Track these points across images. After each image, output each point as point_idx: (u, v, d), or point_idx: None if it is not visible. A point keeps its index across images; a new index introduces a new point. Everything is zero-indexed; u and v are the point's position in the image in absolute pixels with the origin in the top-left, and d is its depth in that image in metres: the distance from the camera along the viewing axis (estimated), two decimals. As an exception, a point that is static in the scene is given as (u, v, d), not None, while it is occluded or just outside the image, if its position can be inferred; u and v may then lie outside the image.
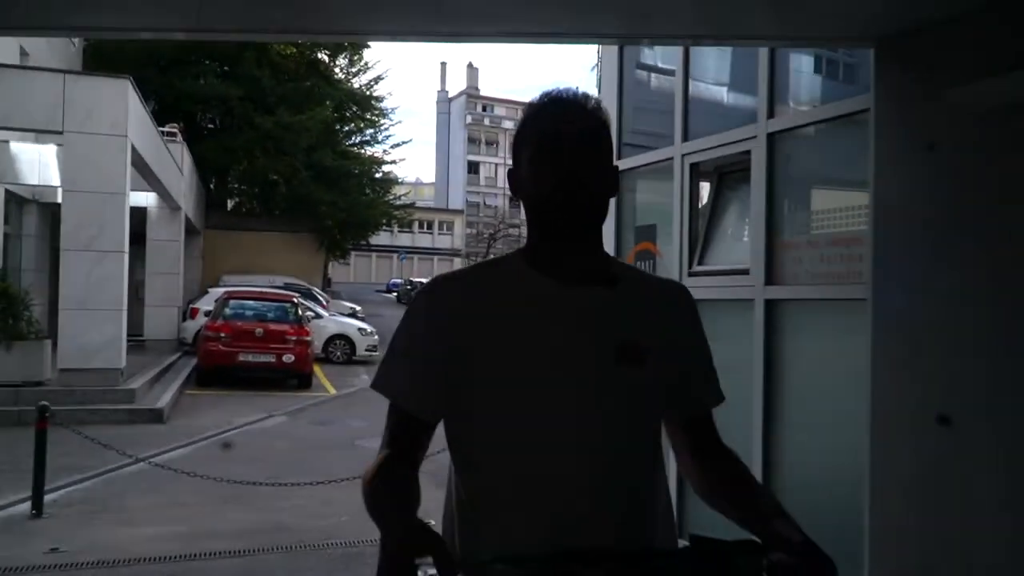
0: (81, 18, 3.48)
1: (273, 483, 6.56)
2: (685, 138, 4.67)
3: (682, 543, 1.50)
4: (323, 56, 29.17)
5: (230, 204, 29.76)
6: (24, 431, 8.22)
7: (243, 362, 13.77)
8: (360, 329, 18.92)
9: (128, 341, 11.37)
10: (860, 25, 3.29)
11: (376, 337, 18.37)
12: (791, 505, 4.03)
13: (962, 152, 2.96)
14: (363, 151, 31.88)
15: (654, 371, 1.43)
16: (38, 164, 13.84)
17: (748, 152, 4.17)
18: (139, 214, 14.34)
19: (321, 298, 22.65)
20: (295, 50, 26.86)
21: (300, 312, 15.17)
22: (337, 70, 30.64)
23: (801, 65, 4.28)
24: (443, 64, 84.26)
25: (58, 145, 12.16)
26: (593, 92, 6.23)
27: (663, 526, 1.49)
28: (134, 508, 6.36)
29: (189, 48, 24.21)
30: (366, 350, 18.15)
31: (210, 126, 27.89)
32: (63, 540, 5.35)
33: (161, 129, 15.58)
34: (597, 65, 5.81)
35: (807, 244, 3.93)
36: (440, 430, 1.45)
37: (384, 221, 32.89)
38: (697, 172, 4.65)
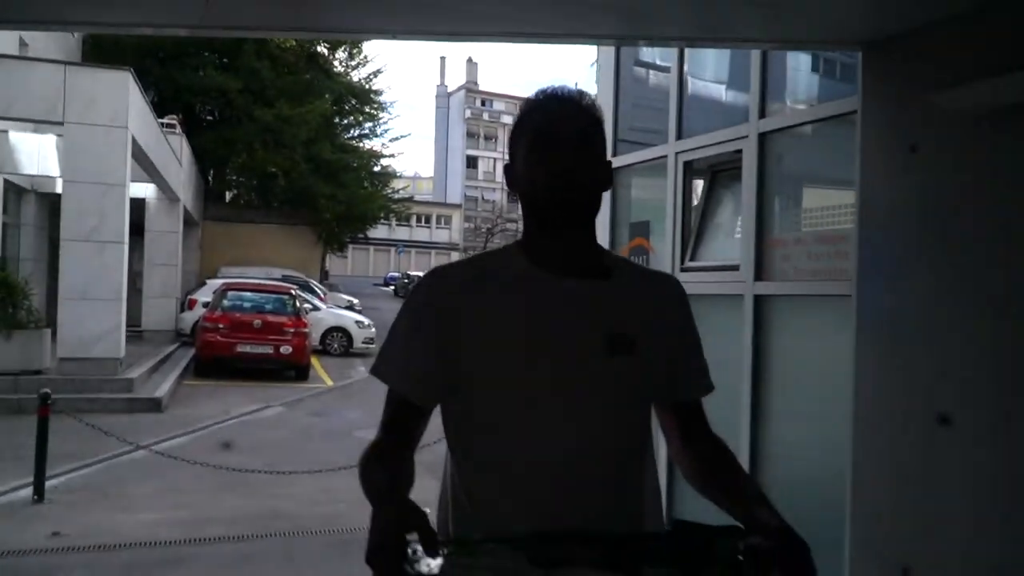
0: (82, 13, 3.55)
1: (271, 471, 6.66)
2: (679, 136, 4.76)
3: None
4: (322, 49, 29.19)
5: (228, 196, 29.81)
6: (23, 419, 8.33)
7: (241, 353, 13.85)
8: (357, 322, 18.99)
9: (126, 331, 11.45)
10: (848, 29, 3.38)
11: (373, 330, 18.45)
12: (778, 495, 4.15)
13: (943, 154, 3.05)
14: (362, 145, 31.94)
15: (644, 361, 1.47)
16: (37, 154, 13.90)
17: (740, 151, 4.27)
18: (138, 205, 14.40)
19: (319, 291, 22.73)
20: (294, 43, 26.87)
21: (298, 304, 15.24)
22: (336, 63, 30.67)
23: (797, 64, 4.34)
24: (442, 59, 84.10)
25: (57, 135, 12.22)
26: (592, 88, 6.29)
27: (651, 511, 1.54)
28: (134, 494, 6.45)
29: (189, 40, 24.23)
30: (363, 343, 18.24)
31: (209, 118, 27.92)
32: (64, 524, 5.45)
33: (160, 120, 15.63)
34: (596, 61, 5.89)
35: (795, 241, 4.03)
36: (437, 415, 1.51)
37: (382, 215, 32.94)
38: (691, 170, 4.74)
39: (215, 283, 17.92)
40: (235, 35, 19.09)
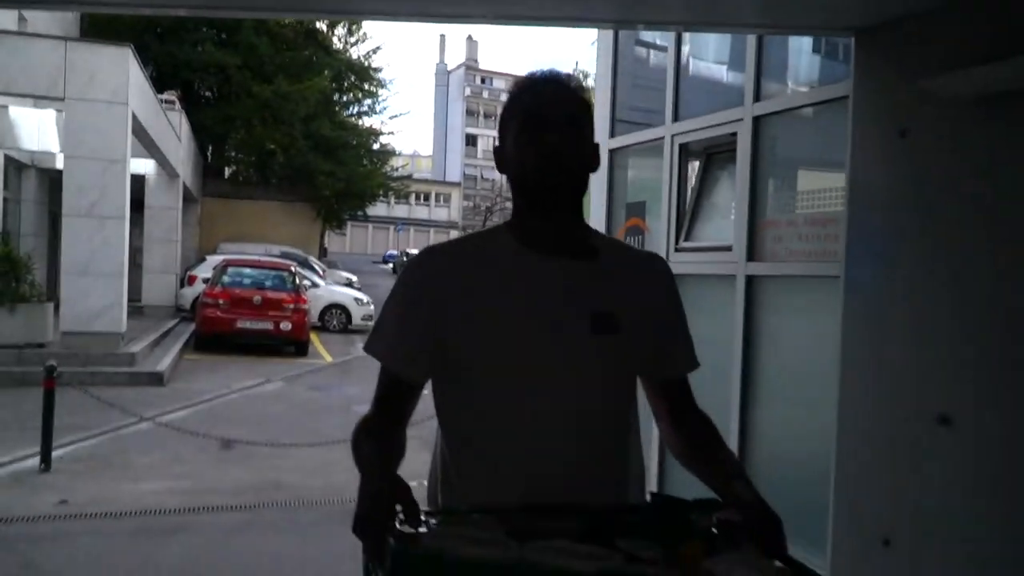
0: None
1: (272, 444, 6.78)
2: (676, 119, 4.84)
3: None
4: (321, 26, 29.05)
5: (227, 172, 29.77)
6: (27, 391, 8.45)
7: (241, 329, 13.95)
8: (356, 299, 19.08)
9: (127, 306, 11.55)
10: (841, 15, 3.44)
11: (372, 307, 18.54)
12: (766, 469, 4.32)
13: (933, 140, 3.13)
14: (361, 122, 31.89)
15: (629, 339, 1.49)
16: (37, 130, 13.94)
17: (735, 134, 4.35)
18: (137, 181, 14.44)
19: (318, 268, 22.79)
20: (293, 20, 26.74)
21: (297, 281, 15.31)
22: (335, 40, 30.56)
23: (799, 45, 4.36)
24: (442, 36, 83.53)
25: (57, 111, 12.25)
26: (593, 67, 6.26)
27: (635, 486, 1.58)
28: (138, 465, 6.58)
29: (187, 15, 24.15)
30: (362, 319, 18.33)
31: (207, 94, 27.85)
32: (71, 493, 5.58)
33: (160, 97, 15.64)
34: (596, 41, 5.93)
35: (787, 223, 4.12)
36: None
37: (381, 192, 32.91)
38: (686, 152, 4.83)
39: (215, 259, 17.97)
40: (236, 15, 19.05)
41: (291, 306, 14.36)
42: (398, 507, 1.16)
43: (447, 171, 67.53)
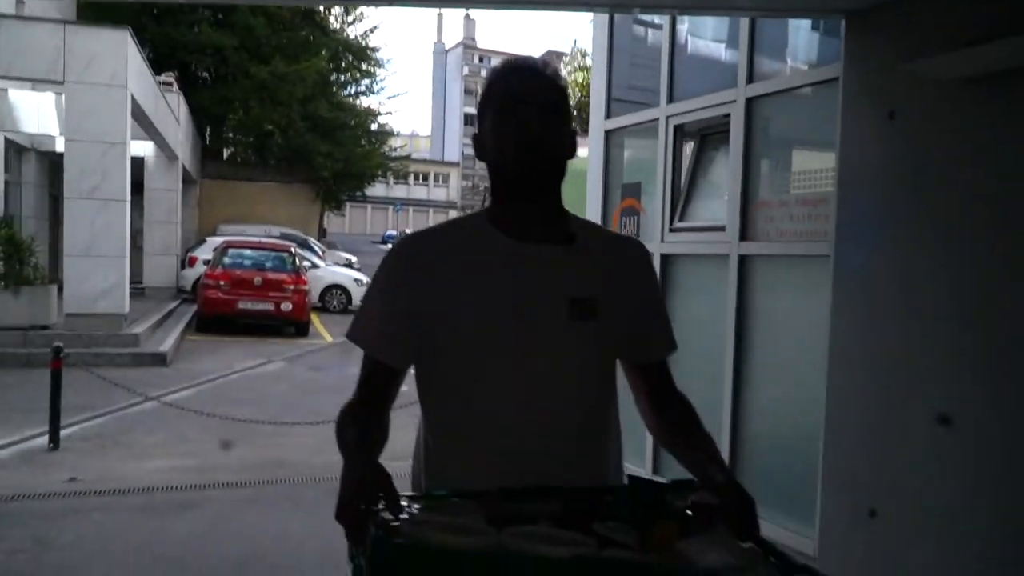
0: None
1: (274, 422, 6.89)
2: (671, 100, 4.91)
3: None
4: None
5: (226, 154, 29.76)
6: (32, 372, 8.58)
7: (242, 310, 14.04)
8: (356, 280, 19.14)
9: (129, 288, 11.65)
10: (832, -2, 3.52)
11: (371, 288, 18.58)
12: (758, 443, 4.43)
13: (920, 121, 3.21)
14: (359, 102, 31.81)
15: (607, 323, 1.51)
16: (36, 112, 13.96)
17: (729, 115, 4.42)
18: (137, 163, 14.47)
19: (317, 248, 22.84)
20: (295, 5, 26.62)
21: (297, 262, 15.40)
22: (333, 20, 30.42)
23: (797, 23, 4.40)
24: (439, 15, 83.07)
25: (56, 94, 12.27)
26: (591, 46, 6.24)
27: (614, 469, 1.61)
28: (144, 443, 6.69)
29: (184, -5, 24.06)
30: (362, 300, 18.38)
31: (205, 75, 27.77)
32: (80, 471, 5.69)
33: (157, 78, 15.65)
34: (593, 21, 5.96)
35: (779, 204, 4.20)
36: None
37: (380, 173, 32.90)
38: (681, 133, 4.90)
39: (215, 240, 18.05)
40: (234, 1, 19.02)
41: (291, 287, 14.45)
42: (380, 494, 1.19)
43: (445, 151, 67.38)
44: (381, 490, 1.19)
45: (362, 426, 1.43)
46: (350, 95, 31.71)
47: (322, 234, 31.93)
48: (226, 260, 14.67)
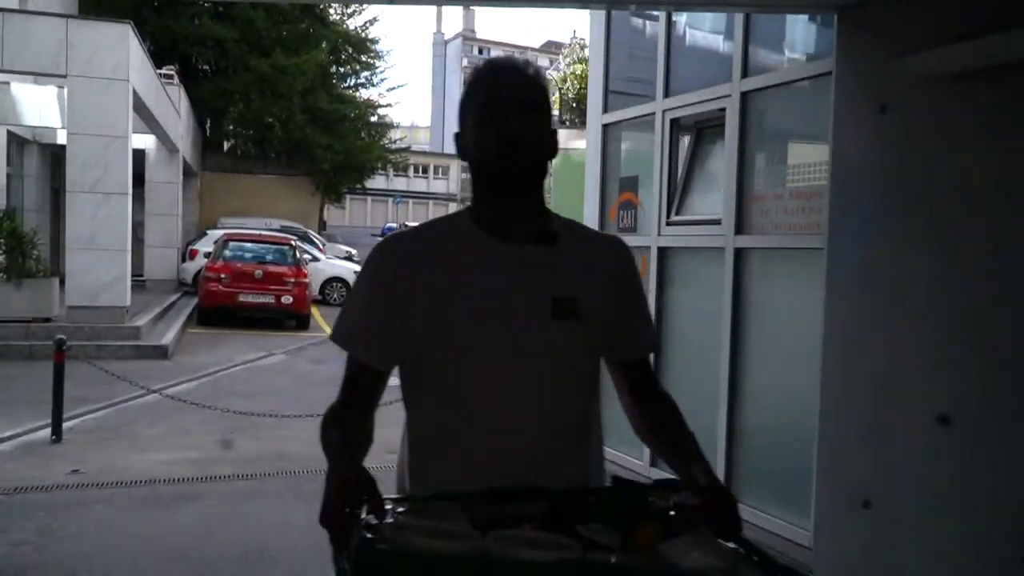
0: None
1: (275, 415, 6.94)
2: (667, 94, 4.94)
3: None
4: (319, -3, 28.83)
5: (226, 147, 29.76)
6: (34, 365, 8.64)
7: (243, 302, 14.08)
8: (356, 272, 19.09)
9: (130, 281, 11.69)
10: (825, -6, 3.56)
11: (372, 280, 18.60)
12: (754, 434, 4.47)
13: (911, 115, 3.25)
14: (358, 94, 31.77)
15: (589, 322, 1.50)
16: (38, 105, 13.99)
17: (724, 109, 4.45)
18: (138, 156, 14.51)
19: (317, 241, 22.86)
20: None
21: (298, 255, 15.42)
22: (332, 11, 30.36)
23: (781, 23, 4.44)
24: (438, 6, 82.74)
25: (58, 87, 12.30)
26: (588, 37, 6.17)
27: (596, 468, 1.61)
28: (146, 436, 6.74)
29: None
30: (362, 293, 18.39)
31: (205, 68, 27.76)
32: (83, 463, 5.74)
33: (159, 72, 15.67)
34: (590, 16, 5.98)
35: (774, 197, 4.24)
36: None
37: (379, 165, 32.88)
38: (678, 127, 4.93)
39: (216, 233, 18.05)
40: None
41: (292, 280, 14.48)
42: (364, 497, 1.18)
43: (445, 142, 67.16)
44: (365, 493, 1.19)
45: (346, 429, 1.42)
46: (350, 87, 31.69)
47: (322, 227, 31.95)
48: (227, 253, 14.71)
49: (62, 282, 10.95)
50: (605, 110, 5.50)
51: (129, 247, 11.27)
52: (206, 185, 25.42)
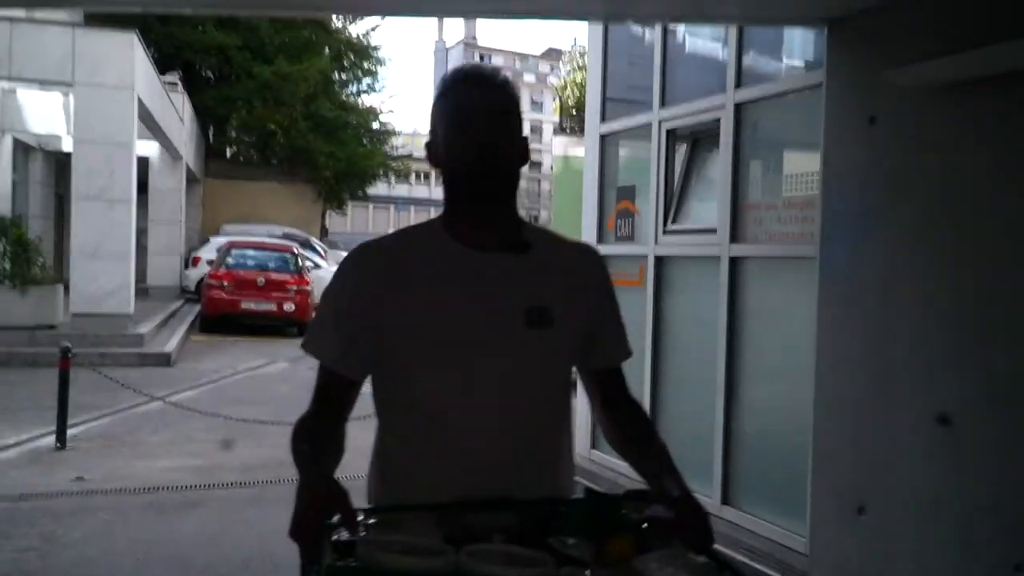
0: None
1: (278, 422, 6.98)
2: (663, 104, 4.99)
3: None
4: (321, 5, 28.89)
5: (229, 153, 29.84)
6: (38, 372, 8.69)
7: (246, 310, 14.14)
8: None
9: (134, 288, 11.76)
10: (815, 6, 3.62)
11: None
12: (749, 441, 4.51)
13: (900, 127, 3.31)
14: (360, 101, 31.84)
15: (562, 332, 1.49)
16: (43, 113, 14.07)
17: (719, 120, 4.51)
18: (141, 163, 14.58)
19: (319, 248, 22.91)
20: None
21: (300, 262, 15.48)
22: (334, 18, 30.43)
23: (774, 35, 4.49)
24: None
25: (63, 95, 12.38)
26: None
27: (566, 478, 1.60)
28: (150, 443, 6.80)
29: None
30: (364, 300, 18.41)
31: (209, 75, 27.86)
32: (87, 470, 5.79)
33: (162, 79, 15.76)
34: (588, 26, 6.03)
35: (768, 206, 4.29)
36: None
37: (381, 172, 32.93)
38: (674, 136, 4.99)
39: (218, 240, 18.11)
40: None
41: (294, 287, 14.54)
42: (335, 509, 1.18)
43: (448, 149, 67.24)
44: (337, 506, 1.18)
45: (317, 440, 1.41)
46: (352, 94, 31.78)
47: (324, 234, 31.96)
48: (229, 260, 14.77)
49: (66, 289, 11.00)
50: (603, 120, 5.56)
51: (133, 255, 11.34)
52: (208, 192, 25.49)
